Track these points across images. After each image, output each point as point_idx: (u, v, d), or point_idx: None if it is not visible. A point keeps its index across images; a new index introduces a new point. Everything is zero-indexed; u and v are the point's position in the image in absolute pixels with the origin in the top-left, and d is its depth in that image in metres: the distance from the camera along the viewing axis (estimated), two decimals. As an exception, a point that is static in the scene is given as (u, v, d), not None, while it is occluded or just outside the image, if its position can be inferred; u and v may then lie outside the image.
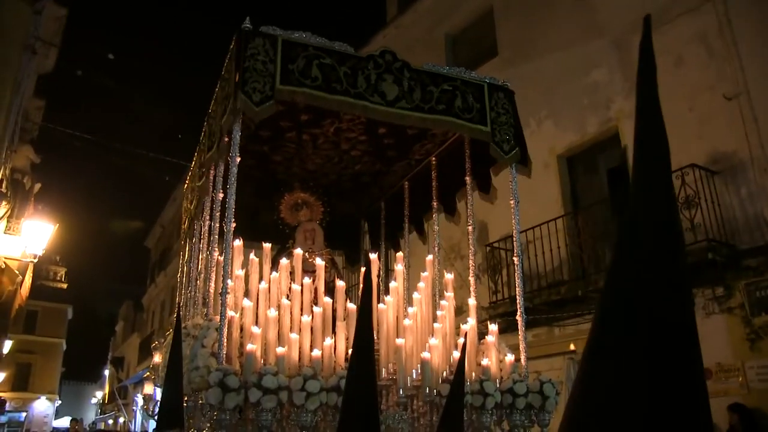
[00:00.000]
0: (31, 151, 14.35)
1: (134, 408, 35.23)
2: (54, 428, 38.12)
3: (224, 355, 4.16)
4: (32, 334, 39.28)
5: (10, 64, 11.69)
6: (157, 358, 6.81)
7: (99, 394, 49.54)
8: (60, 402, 43.58)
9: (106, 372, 47.63)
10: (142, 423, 31.92)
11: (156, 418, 4.05)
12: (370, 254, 5.22)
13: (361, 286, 1.62)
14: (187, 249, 6.85)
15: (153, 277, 36.24)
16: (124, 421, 36.83)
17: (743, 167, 9.27)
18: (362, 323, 1.64)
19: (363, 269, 5.42)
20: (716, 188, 9.37)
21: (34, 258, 12.64)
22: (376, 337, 5.14)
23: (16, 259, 12.40)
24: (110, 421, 41.99)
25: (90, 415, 47.38)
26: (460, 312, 5.99)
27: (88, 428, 29.80)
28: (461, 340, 4.94)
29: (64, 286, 41.11)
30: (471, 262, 5.65)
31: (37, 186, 15.49)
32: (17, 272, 12.47)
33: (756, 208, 9.08)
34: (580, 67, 11.70)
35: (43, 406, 40.27)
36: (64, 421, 37.47)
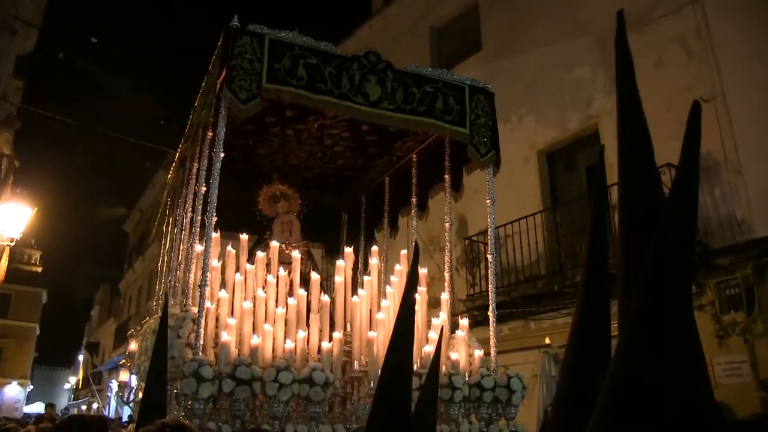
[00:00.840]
0: (9, 133, 14.31)
1: (108, 394, 35.21)
2: (25, 414, 37.96)
3: (200, 346, 4.31)
4: (4, 318, 39.13)
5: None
6: (133, 346, 6.90)
7: (72, 380, 49.26)
8: (32, 387, 43.38)
9: (81, 357, 47.43)
10: (116, 409, 31.93)
11: (131, 406, 4.18)
12: (346, 249, 5.39)
13: (405, 282, 1.67)
14: (168, 239, 6.97)
15: (131, 262, 36.14)
16: (98, 407, 36.73)
17: (717, 168, 9.51)
18: (403, 318, 1.71)
19: (341, 264, 5.60)
20: (690, 188, 9.61)
21: (11, 242, 12.63)
22: (349, 329, 5.32)
23: (-8, 243, 12.40)
24: (83, 407, 41.85)
25: (63, 401, 47.15)
26: (438, 304, 6.15)
27: (60, 414, 29.76)
28: (432, 335, 5.14)
29: (39, 269, 40.95)
30: (447, 258, 5.83)
31: (15, 164, 15.47)
32: (-7, 255, 12.49)
33: (728, 208, 9.34)
34: (562, 63, 11.90)
35: (14, 391, 40.07)
36: (36, 407, 37.36)
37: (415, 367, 5.00)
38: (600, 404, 0.95)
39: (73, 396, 47.83)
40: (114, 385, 33.55)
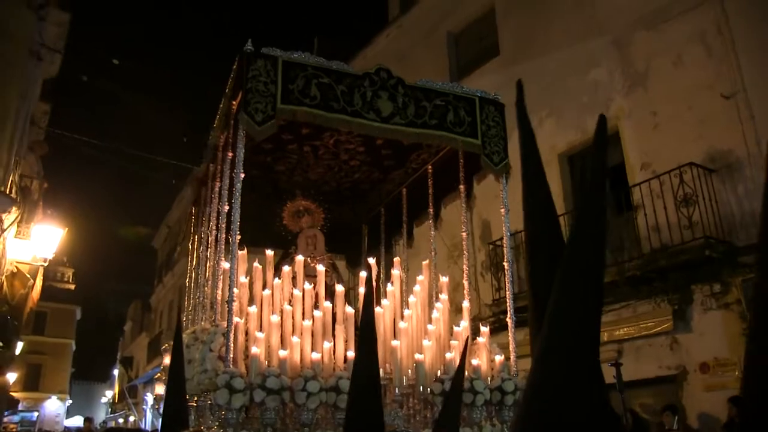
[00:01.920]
0: (38, 157, 14.75)
1: (144, 407, 35.77)
2: (66, 427, 38.69)
3: (231, 359, 4.56)
4: (42, 335, 39.89)
5: (17, 71, 12.07)
6: (167, 360, 7.18)
7: (109, 394, 50.13)
8: (70, 401, 44.29)
9: (116, 372, 48.19)
10: (153, 422, 32.44)
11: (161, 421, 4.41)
12: (368, 260, 5.60)
13: (363, 293, 1.86)
14: (195, 256, 7.24)
15: (160, 277, 36.69)
16: (135, 420, 37.36)
17: (740, 165, 9.57)
18: (366, 323, 1.86)
19: (364, 275, 5.83)
20: (714, 186, 9.68)
21: (45, 262, 13.07)
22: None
23: (27, 263, 12.83)
24: (120, 420, 42.49)
25: (100, 414, 47.93)
26: (461, 310, 6.31)
27: (98, 427, 30.37)
28: (454, 342, 5.35)
29: (72, 287, 41.77)
30: (465, 267, 6.01)
31: (44, 186, 15.90)
32: (28, 276, 12.91)
33: (752, 205, 9.37)
34: (580, 65, 12.02)
35: (54, 405, 40.95)
36: (75, 421, 38.11)
37: (438, 374, 5.22)
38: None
39: (110, 409, 48.62)
40: (149, 398, 34.10)
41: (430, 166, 6.55)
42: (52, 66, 14.38)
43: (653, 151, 10.64)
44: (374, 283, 6.03)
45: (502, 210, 5.57)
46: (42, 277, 14.46)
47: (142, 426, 34.97)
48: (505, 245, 5.63)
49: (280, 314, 5.16)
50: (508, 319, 5.32)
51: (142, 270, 47.06)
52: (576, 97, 12.02)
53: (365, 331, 1.90)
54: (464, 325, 5.57)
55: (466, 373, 5.21)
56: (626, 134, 11.20)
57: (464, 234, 6.11)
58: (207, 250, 6.32)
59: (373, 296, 1.79)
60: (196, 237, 7.23)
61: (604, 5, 11.93)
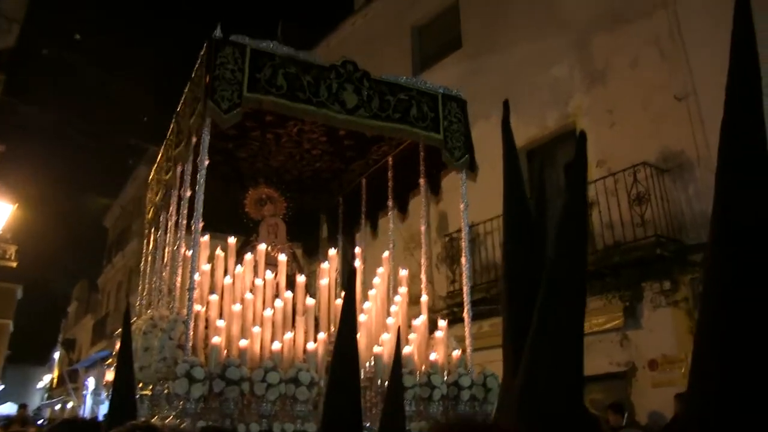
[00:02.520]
0: None
1: (84, 392, 35.14)
2: (-5, 415, 37.62)
3: (190, 348, 4.58)
4: (-24, 314, 38.81)
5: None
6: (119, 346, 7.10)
7: (47, 378, 48.97)
8: (2, 387, 42.96)
9: (56, 355, 47.18)
10: (92, 408, 31.94)
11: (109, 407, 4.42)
12: (330, 251, 5.67)
13: (346, 290, 1.90)
14: (152, 239, 7.20)
15: (110, 257, 36.10)
16: (73, 406, 36.70)
17: (690, 166, 9.87)
18: (346, 318, 1.90)
19: (325, 266, 5.89)
20: (666, 185, 9.98)
21: (-9, 238, 12.80)
22: (333, 330, 5.61)
23: (-30, 240, 12.56)
24: (57, 407, 41.68)
25: (35, 401, 46.92)
26: (418, 300, 6.42)
27: (32, 414, 29.58)
28: (412, 336, 5.45)
29: (14, 264, 40.70)
30: (423, 260, 6.13)
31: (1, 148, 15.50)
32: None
33: (702, 205, 9.67)
34: (541, 62, 12.20)
35: (-17, 390, 39.71)
36: (6, 408, 36.97)
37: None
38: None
39: (47, 395, 47.53)
40: (91, 383, 33.51)
41: (390, 158, 6.64)
42: (9, 35, 14.02)
43: (609, 149, 10.89)
44: (334, 275, 6.11)
45: (462, 205, 5.69)
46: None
47: (81, 412, 34.37)
48: (464, 239, 5.75)
49: (241, 303, 5.20)
50: (464, 314, 5.44)
51: (91, 249, 46.12)
52: (537, 92, 12.20)
53: (345, 326, 1.94)
54: (422, 319, 5.68)
55: (423, 368, 5.34)
56: (585, 130, 11.43)
57: (422, 227, 6.23)
58: (166, 235, 6.30)
59: (355, 294, 1.87)
60: (157, 219, 7.18)
61: (567, 4, 12.14)
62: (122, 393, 3.59)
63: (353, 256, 6.29)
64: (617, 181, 10.16)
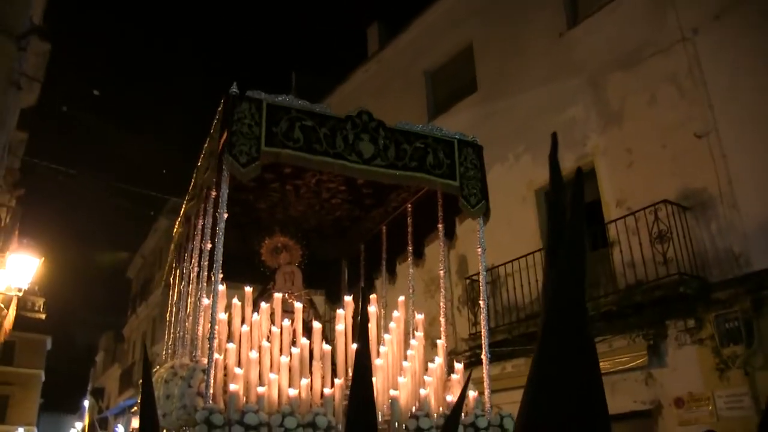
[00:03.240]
0: (11, 185, 14.85)
1: (114, 439, 35.37)
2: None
3: (210, 395, 4.72)
4: (10, 365, 39.35)
5: (-2, 103, 12.20)
6: (144, 394, 7.22)
7: (78, 425, 49.43)
8: (38, 434, 43.51)
9: (86, 403, 47.61)
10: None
11: None
12: (346, 297, 5.79)
13: (359, 330, 1.95)
14: (175, 291, 7.39)
15: (134, 307, 36.54)
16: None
17: (713, 203, 9.92)
18: (360, 361, 1.95)
19: (341, 313, 6.03)
20: (687, 223, 10.01)
21: (19, 291, 13.06)
22: (349, 375, 5.72)
23: (0, 293, 12.83)
24: (89, 454, 42.01)
25: (69, 448, 47.34)
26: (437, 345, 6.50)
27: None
28: (428, 378, 5.54)
29: (43, 316, 41.22)
30: (442, 304, 6.23)
31: (20, 190, 15.91)
32: (2, 305, 12.90)
33: (725, 242, 9.70)
34: (557, 103, 12.38)
35: (20, 437, 40.18)
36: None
37: (413, 410, 5.40)
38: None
39: (79, 442, 47.99)
40: (120, 430, 33.73)
41: (409, 205, 6.78)
42: (31, 95, 14.52)
43: (628, 188, 10.98)
44: (350, 320, 6.23)
45: (479, 250, 5.80)
46: (15, 308, 14.42)
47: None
48: (481, 284, 5.86)
49: (258, 350, 5.33)
50: (483, 356, 5.52)
51: (116, 300, 46.80)
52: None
53: (360, 372, 1.98)
54: (439, 362, 5.76)
55: (440, 409, 5.42)
56: (602, 171, 11.53)
57: (441, 272, 6.34)
58: (188, 286, 6.48)
59: (368, 338, 1.95)
60: (177, 272, 7.38)
61: (580, 45, 12.35)
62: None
63: (364, 300, 6.39)
64: (638, 219, 10.22)
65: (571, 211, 1.39)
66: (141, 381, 5.20)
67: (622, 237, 10.41)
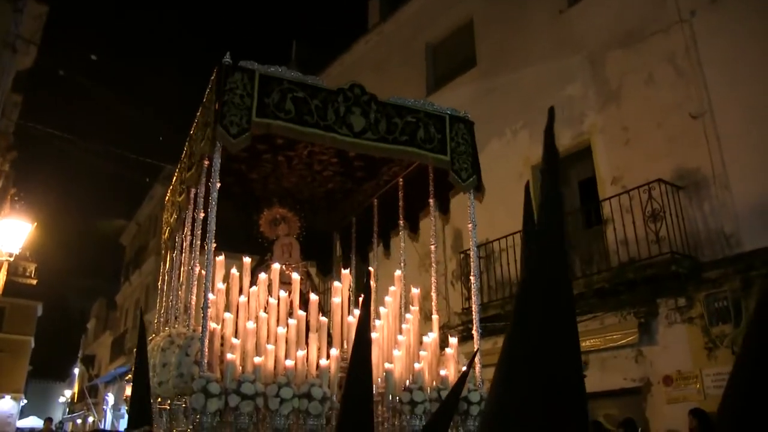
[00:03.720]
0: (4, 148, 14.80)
1: (104, 407, 35.57)
2: (17, 429, 38.10)
3: (206, 364, 4.80)
4: (-1, 331, 39.43)
5: (-9, 64, 12.17)
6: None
7: (68, 393, 49.61)
8: (25, 401, 43.58)
9: (76, 370, 47.78)
10: (113, 422, 32.30)
11: (128, 417, 4.66)
12: (343, 270, 5.86)
13: (362, 300, 1.98)
14: (168, 259, 7.45)
15: (127, 275, 36.56)
16: (94, 421, 37.10)
17: (706, 183, 10.00)
18: (361, 332, 1.99)
19: (337, 285, 6.10)
20: (681, 203, 10.10)
21: (10, 256, 13.06)
22: (345, 347, 5.81)
23: (-9, 257, 12.83)
24: (79, 421, 42.22)
25: (57, 415, 47.40)
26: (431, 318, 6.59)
27: (54, 428, 30.12)
28: (423, 353, 5.63)
29: (34, 282, 41.27)
30: (433, 279, 6.30)
31: (13, 154, 15.88)
32: (-8, 270, 12.92)
33: (717, 222, 9.80)
34: (555, 80, 12.40)
35: (7, 405, 40.06)
36: (30, 421, 37.63)
37: (407, 383, 5.50)
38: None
39: (68, 410, 48.18)
40: (110, 398, 33.94)
41: (401, 179, 6.84)
42: (27, 57, 14.45)
43: (624, 167, 11.04)
44: (347, 293, 6.31)
45: (470, 225, 5.87)
46: (6, 272, 14.44)
47: (102, 426, 34.77)
48: (471, 259, 5.93)
49: (255, 321, 5.41)
50: (474, 331, 5.61)
51: (109, 267, 46.76)
52: (550, 110, 12.37)
53: (359, 345, 2.01)
54: (433, 337, 5.85)
55: (434, 383, 5.52)
56: (598, 149, 11.59)
57: (433, 247, 6.41)
58: (181, 255, 6.53)
59: (370, 303, 1.98)
60: (172, 240, 7.42)
61: (581, 23, 12.35)
62: (139, 404, 3.80)
63: (368, 275, 6.46)
64: (632, 198, 10.29)
65: (546, 157, 1.37)
66: (136, 349, 5.31)
67: (616, 215, 10.49)
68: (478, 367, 5.60)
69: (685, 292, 9.83)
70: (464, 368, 5.67)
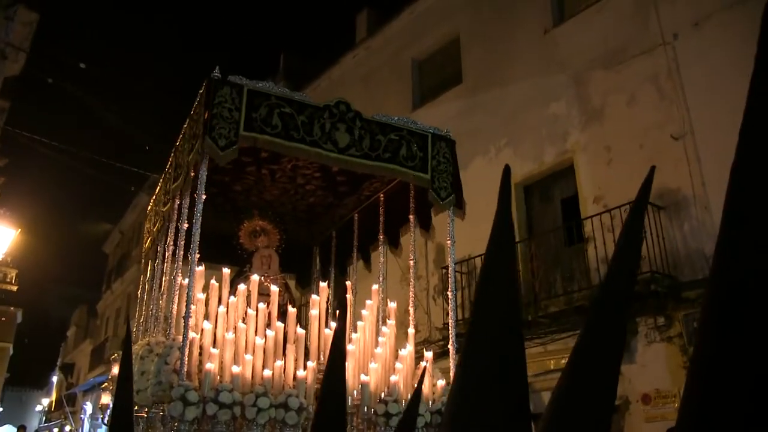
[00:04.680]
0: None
1: (82, 416, 35.35)
2: (-8, 437, 37.81)
3: (185, 372, 4.92)
4: (-24, 337, 39.12)
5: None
6: (116, 370, 7.40)
7: (45, 402, 49.22)
8: (1, 409, 43.24)
9: (54, 378, 47.46)
10: (90, 431, 32.11)
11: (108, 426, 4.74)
12: (321, 283, 6.00)
13: (338, 312, 2.05)
14: (149, 268, 7.56)
15: (109, 283, 36.51)
16: (70, 430, 36.87)
17: (687, 204, 10.19)
18: (336, 345, 2.05)
19: (315, 298, 6.23)
20: (662, 223, 10.30)
21: (-7, 263, 13.13)
22: (322, 359, 5.95)
23: (-27, 263, 12.89)
24: (55, 430, 41.87)
25: (33, 423, 47.09)
26: (416, 331, 6.73)
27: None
28: (399, 365, 5.77)
29: (15, 288, 41.15)
30: (411, 294, 6.45)
31: (4, 161, 15.92)
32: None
33: (697, 242, 9.99)
34: (540, 98, 12.62)
35: (-19, 413, 39.90)
36: (5, 430, 37.23)
37: (382, 395, 5.63)
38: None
39: (44, 418, 47.77)
40: (88, 407, 33.73)
41: (381, 195, 7.00)
42: (16, 64, 14.55)
43: (606, 186, 11.24)
44: (324, 306, 6.45)
45: (448, 242, 6.03)
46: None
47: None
48: (450, 275, 6.08)
49: (234, 331, 5.54)
50: (449, 346, 5.76)
51: (91, 275, 46.62)
52: (534, 128, 12.60)
53: (335, 356, 2.07)
54: (409, 350, 5.99)
55: (409, 395, 5.65)
56: (581, 167, 11.79)
57: (411, 262, 6.56)
58: (163, 264, 6.64)
59: (345, 326, 2.08)
60: (151, 250, 7.53)
61: (565, 43, 12.58)
62: (123, 411, 3.90)
63: (345, 289, 6.60)
64: (613, 217, 10.47)
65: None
66: (121, 356, 5.39)
67: (597, 233, 10.65)
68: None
69: (664, 311, 9.99)
70: (440, 381, 5.84)
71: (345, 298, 6.62)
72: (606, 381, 0.99)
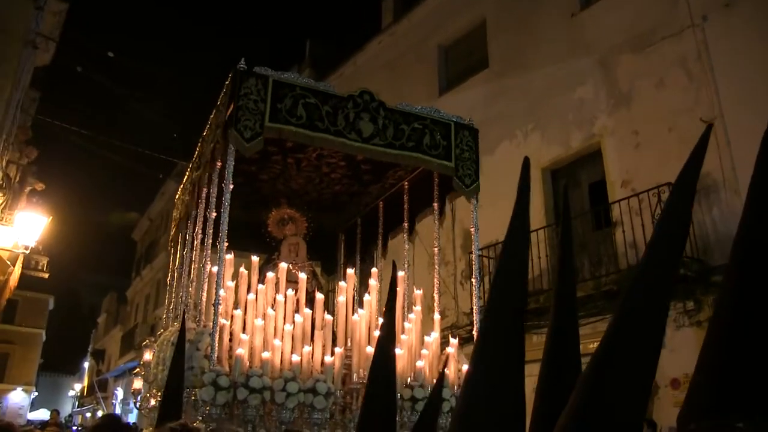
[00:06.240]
0: (31, 151, 15.15)
1: (113, 401, 36.05)
2: (28, 421, 38.60)
3: (216, 358, 5.11)
4: (11, 324, 39.81)
5: (11, 59, 12.47)
6: (148, 356, 7.59)
7: (77, 387, 50.15)
8: (36, 394, 44.14)
9: (86, 364, 48.33)
10: (121, 417, 32.70)
11: (144, 413, 4.89)
12: (348, 270, 6.14)
13: (387, 298, 2.05)
14: (177, 256, 7.75)
15: (138, 270, 37.06)
16: (103, 415, 37.48)
17: (716, 188, 10.17)
18: (386, 329, 2.09)
19: (342, 285, 6.38)
20: (691, 207, 10.28)
21: (26, 249, 13.36)
22: (349, 344, 6.11)
23: (8, 250, 13.13)
24: (88, 415, 42.73)
25: (67, 408, 48.08)
26: (443, 316, 6.83)
27: (63, 421, 30.51)
28: (425, 351, 5.92)
29: (46, 275, 41.80)
30: (436, 280, 6.58)
31: (40, 186, 16.25)
32: (8, 263, 13.25)
33: (726, 227, 9.97)
34: (567, 83, 12.63)
35: (18, 397, 40.60)
36: (40, 414, 38.03)
37: (408, 380, 5.78)
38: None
39: (77, 403, 48.76)
40: (120, 392, 34.41)
41: (406, 183, 7.13)
42: (46, 54, 14.82)
43: (634, 170, 11.25)
44: (351, 293, 6.60)
45: (472, 229, 6.14)
46: (21, 265, 14.74)
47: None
48: (474, 262, 6.20)
49: (263, 318, 5.71)
50: (474, 332, 5.88)
51: (120, 262, 47.33)
52: (561, 113, 12.62)
53: (384, 342, 2.12)
54: (435, 336, 6.13)
55: (434, 381, 5.79)
56: (608, 152, 11.80)
57: (436, 249, 6.68)
58: (192, 252, 6.83)
59: (395, 302, 2.07)
60: (180, 237, 7.71)
61: (592, 27, 12.56)
62: (172, 399, 4.07)
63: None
64: (641, 201, 10.49)
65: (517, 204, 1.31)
66: (151, 342, 5.55)
67: (625, 217, 10.68)
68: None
69: (693, 296, 10.00)
70: (465, 367, 5.96)
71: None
72: (645, 365, 1.02)
